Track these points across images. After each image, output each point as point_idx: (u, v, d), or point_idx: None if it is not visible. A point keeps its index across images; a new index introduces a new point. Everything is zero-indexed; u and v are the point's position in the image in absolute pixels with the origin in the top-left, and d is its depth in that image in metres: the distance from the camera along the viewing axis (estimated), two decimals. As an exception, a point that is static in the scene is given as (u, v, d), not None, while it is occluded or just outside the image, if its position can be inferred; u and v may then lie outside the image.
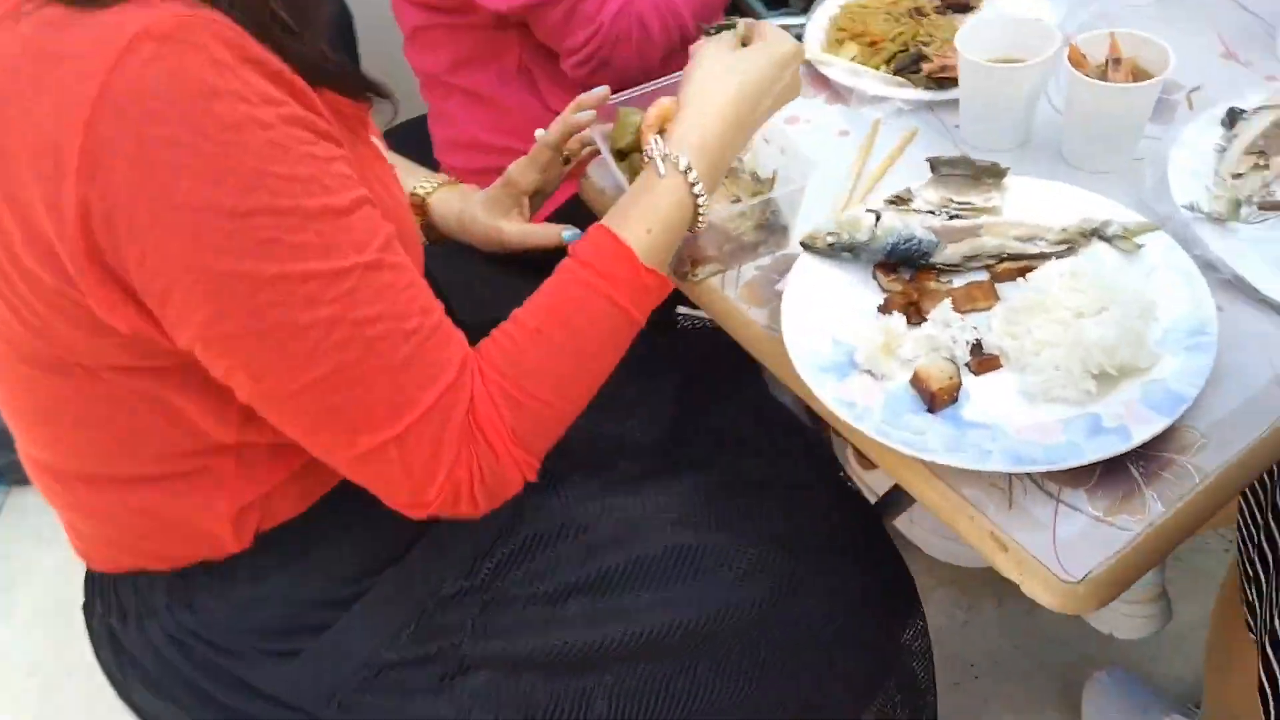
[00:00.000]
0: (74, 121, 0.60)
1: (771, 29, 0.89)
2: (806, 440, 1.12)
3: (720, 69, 0.85)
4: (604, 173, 1.07)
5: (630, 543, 0.93)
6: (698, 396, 1.11)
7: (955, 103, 1.06)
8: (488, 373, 0.74)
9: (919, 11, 1.17)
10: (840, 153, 1.06)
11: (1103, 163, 0.98)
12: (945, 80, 1.08)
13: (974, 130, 1.04)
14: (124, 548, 0.84)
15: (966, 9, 1.18)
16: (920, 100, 1.08)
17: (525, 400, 0.74)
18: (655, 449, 1.05)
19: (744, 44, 0.89)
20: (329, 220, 0.65)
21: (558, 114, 1.27)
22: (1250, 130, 0.94)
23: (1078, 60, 0.96)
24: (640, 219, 0.80)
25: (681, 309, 1.21)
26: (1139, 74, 0.95)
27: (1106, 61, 0.96)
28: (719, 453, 1.05)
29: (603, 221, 0.81)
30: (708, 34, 0.90)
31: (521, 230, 1.04)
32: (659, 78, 1.02)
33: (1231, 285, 0.85)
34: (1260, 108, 0.96)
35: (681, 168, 0.81)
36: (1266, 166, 0.92)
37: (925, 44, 1.12)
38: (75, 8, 0.62)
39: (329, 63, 0.71)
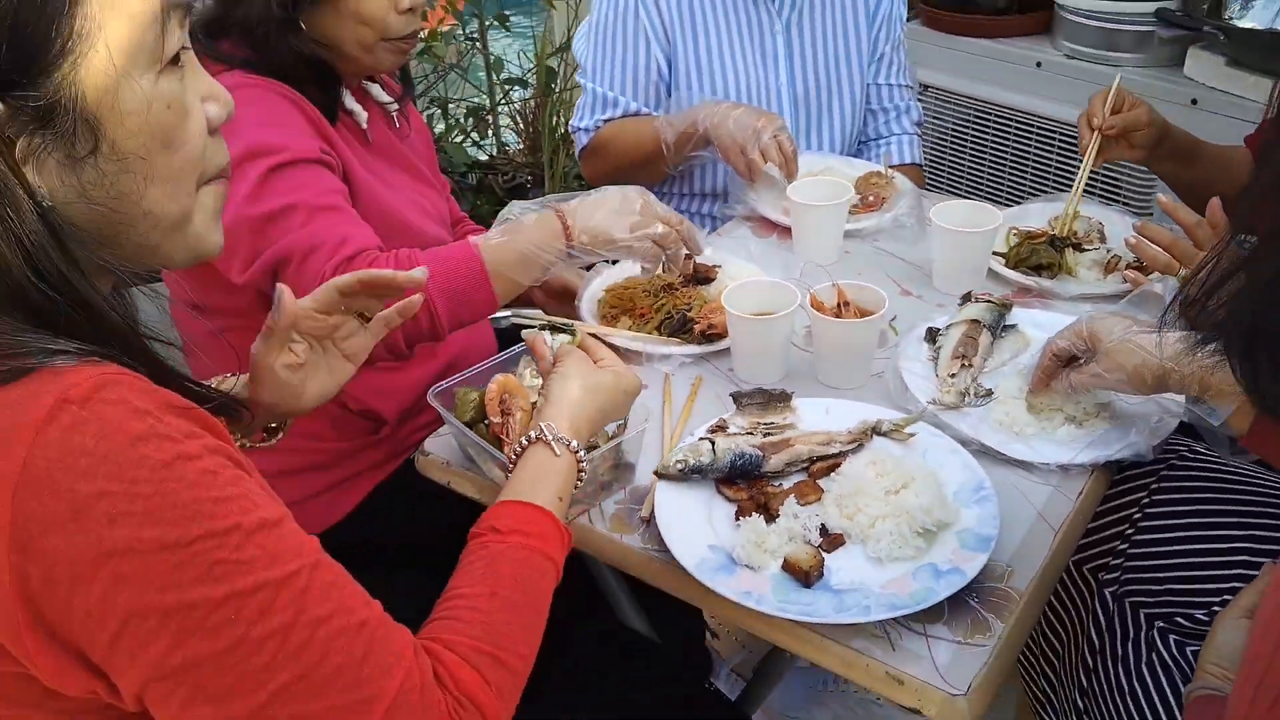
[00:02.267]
0: (1, 497, 0.60)
1: (610, 356, 1.07)
2: (650, 650, 1.22)
3: (582, 385, 1.00)
4: (441, 445, 1.18)
5: None
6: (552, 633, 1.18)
7: (725, 352, 1.29)
8: (458, 643, 0.77)
9: (671, 287, 1.42)
10: (644, 403, 1.23)
11: (851, 381, 1.24)
12: (713, 335, 1.31)
13: (746, 369, 1.27)
14: None
15: (707, 281, 1.44)
16: (697, 353, 1.31)
17: (505, 657, 0.78)
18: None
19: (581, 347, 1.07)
20: (266, 531, 0.68)
21: (361, 414, 1.38)
22: (949, 342, 1.25)
23: (818, 306, 1.23)
24: (548, 490, 0.92)
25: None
26: (862, 312, 1.23)
27: (839, 305, 1.24)
28: (584, 682, 1.13)
29: (506, 498, 0.91)
30: (541, 329, 1.07)
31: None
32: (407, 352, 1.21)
33: (980, 453, 1.11)
34: (950, 324, 1.27)
35: (573, 449, 0.95)
36: (970, 365, 1.22)
37: (687, 311, 1.36)
38: None
39: (208, 393, 0.77)
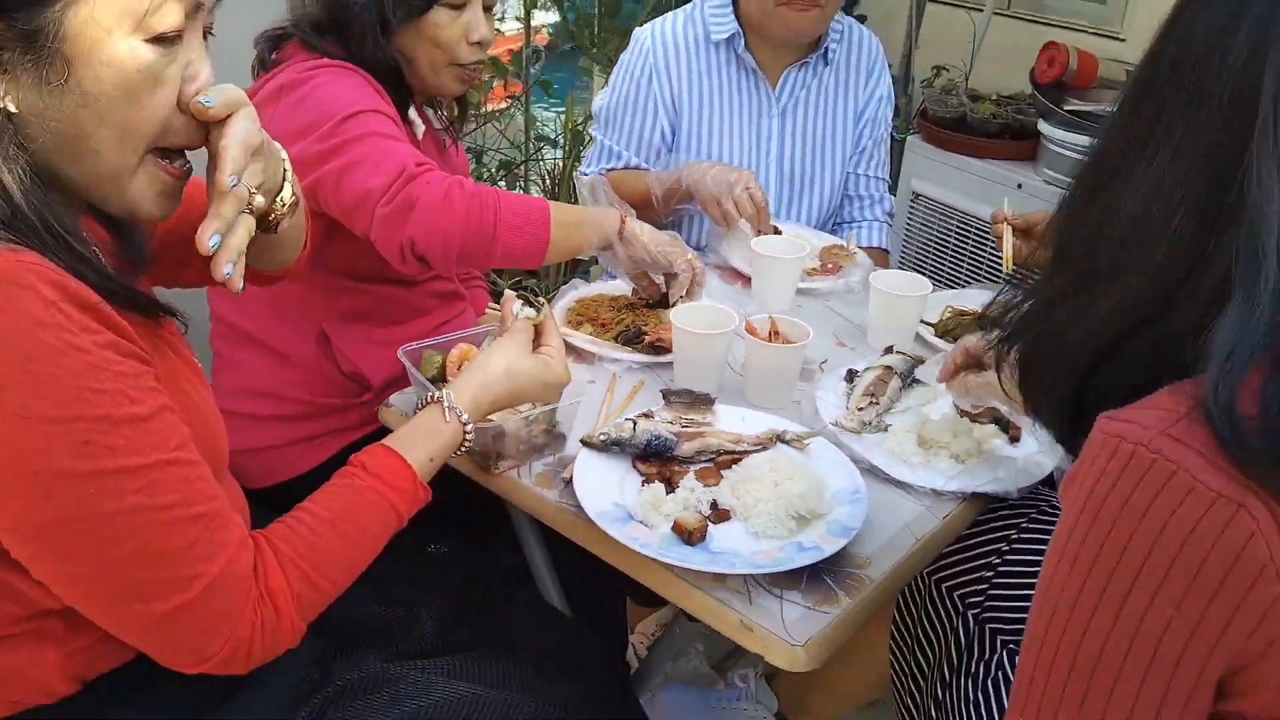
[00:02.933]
0: None
1: (557, 344, 1.21)
2: (568, 628, 1.35)
3: (506, 366, 1.14)
4: (405, 400, 1.34)
5: (431, 691, 1.10)
6: (477, 599, 1.32)
7: (669, 365, 1.46)
8: (283, 550, 0.91)
9: (631, 306, 1.60)
10: (591, 395, 1.40)
11: (774, 401, 1.40)
12: (660, 348, 1.48)
13: (685, 380, 1.43)
14: None
15: (665, 305, 1.61)
16: (644, 361, 1.47)
17: (316, 579, 0.93)
18: (439, 634, 1.24)
19: (537, 332, 1.20)
20: (134, 426, 0.78)
21: (350, 375, 1.55)
22: (863, 382, 1.41)
23: (752, 331, 1.40)
24: (424, 449, 1.06)
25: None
26: (788, 342, 1.40)
27: (770, 333, 1.40)
28: (491, 637, 1.26)
29: (388, 443, 1.05)
30: (519, 297, 1.23)
31: None
32: (458, 257, 1.35)
33: (869, 472, 1.26)
34: (867, 368, 1.44)
35: (462, 420, 1.10)
36: (877, 403, 1.37)
37: (643, 326, 1.53)
38: None
39: (129, 294, 0.85)
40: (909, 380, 1.44)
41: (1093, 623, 0.70)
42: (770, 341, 1.39)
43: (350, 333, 1.58)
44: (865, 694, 1.57)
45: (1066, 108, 2.45)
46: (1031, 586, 1.26)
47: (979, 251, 2.71)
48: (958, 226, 2.75)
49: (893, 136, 3.08)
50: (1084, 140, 2.41)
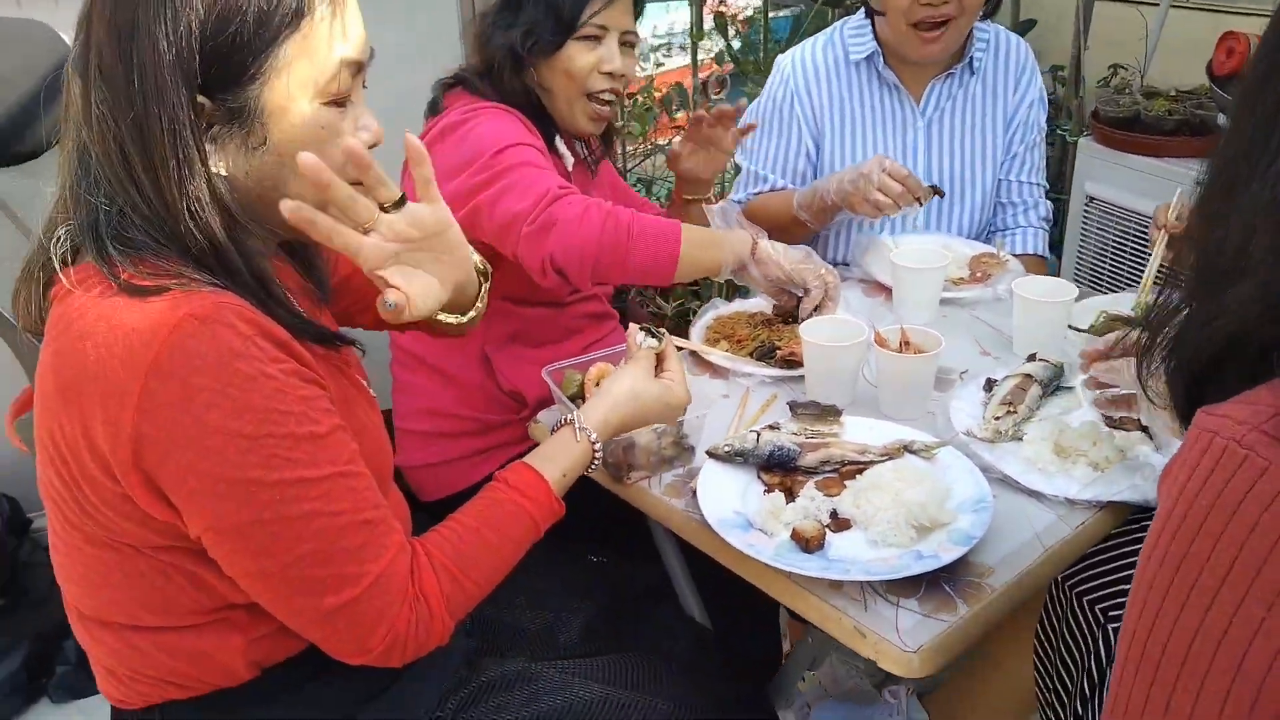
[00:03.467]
0: (137, 373, 0.83)
1: (677, 369, 1.26)
2: (704, 638, 1.40)
3: (631, 389, 1.21)
4: (552, 415, 1.43)
5: (568, 690, 1.17)
6: (620, 608, 1.39)
7: (801, 379, 1.48)
8: (435, 555, 1.01)
9: (768, 322, 1.64)
10: (722, 410, 1.44)
11: (906, 412, 1.40)
12: (792, 363, 1.51)
13: (818, 394, 1.45)
14: (153, 682, 1.02)
15: (798, 320, 1.63)
16: (777, 376, 1.50)
17: (462, 579, 1.02)
18: (583, 639, 1.31)
19: (659, 359, 1.26)
20: (313, 442, 0.90)
21: (509, 393, 1.66)
22: (1002, 390, 1.38)
23: (881, 342, 1.40)
24: (558, 466, 1.14)
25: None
26: (920, 352, 1.39)
27: (900, 344, 1.41)
28: (631, 645, 1.32)
29: (528, 460, 1.14)
30: (641, 329, 1.29)
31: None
32: (592, 270, 1.43)
33: (1000, 481, 1.24)
34: (1006, 377, 1.41)
35: (592, 440, 1.17)
36: (1014, 411, 1.35)
37: (777, 342, 1.56)
38: (135, 298, 0.86)
39: (312, 328, 0.98)
40: (1051, 388, 1.40)
41: (1180, 621, 0.68)
42: (901, 352, 1.39)
43: (509, 353, 1.69)
44: (1017, 710, 1.53)
45: (1249, 98, 2.29)
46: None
47: (1124, 240, 2.56)
48: (1135, 229, 2.61)
49: (1064, 139, 2.98)
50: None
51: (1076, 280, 2.72)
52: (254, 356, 0.87)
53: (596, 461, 1.18)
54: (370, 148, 0.98)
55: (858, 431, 1.32)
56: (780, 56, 2.00)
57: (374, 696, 1.10)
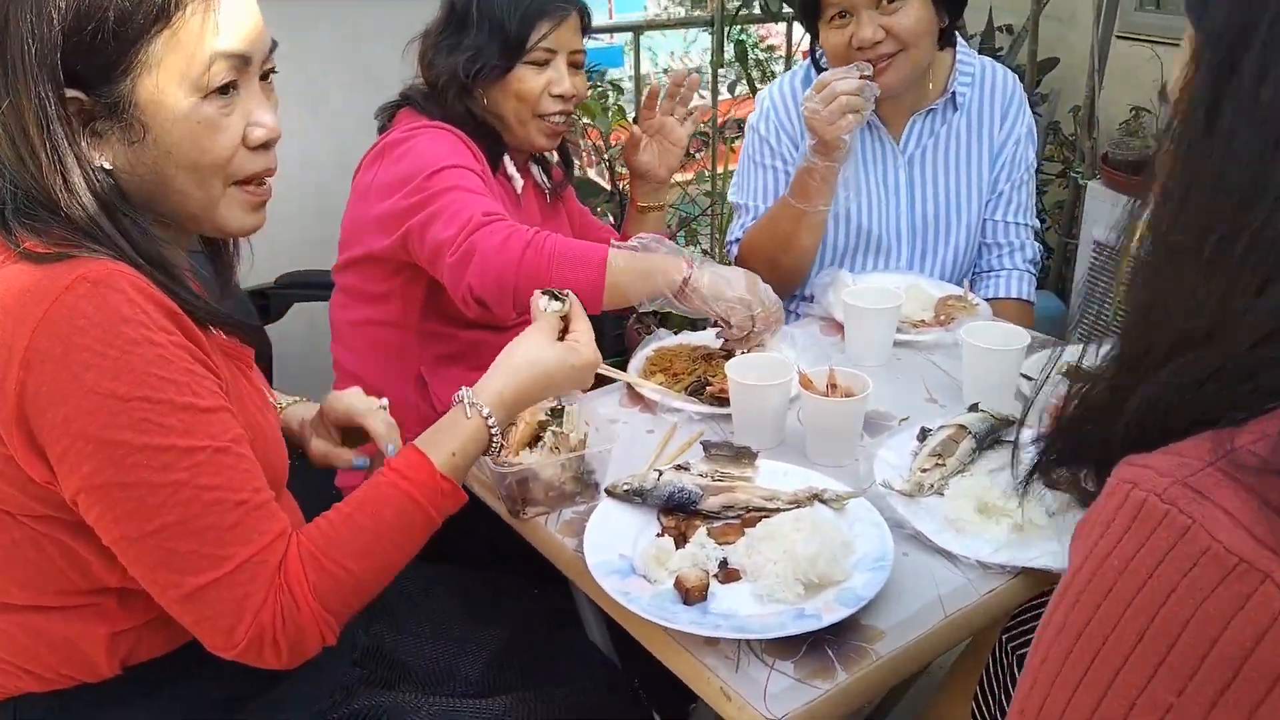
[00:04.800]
0: (25, 330, 0.85)
1: (584, 329, 1.20)
2: (610, 674, 1.33)
3: (533, 354, 1.15)
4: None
5: None
6: (524, 643, 1.32)
7: (730, 415, 1.42)
8: (303, 542, 0.98)
9: (708, 357, 1.57)
10: (644, 445, 1.38)
11: (832, 457, 1.32)
12: (722, 399, 1.44)
13: (743, 434, 1.38)
14: (11, 671, 0.99)
15: (730, 355, 1.56)
16: (705, 413, 1.44)
17: (328, 565, 0.97)
18: (481, 678, 1.26)
19: (564, 321, 1.19)
20: (191, 413, 0.89)
21: (441, 415, 1.62)
22: (933, 441, 1.30)
23: (807, 384, 1.33)
24: (447, 444, 1.08)
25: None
26: (848, 395, 1.32)
27: (828, 386, 1.33)
28: (535, 681, 1.25)
29: (415, 442, 1.08)
30: (544, 293, 1.21)
31: (322, 451, 1.27)
32: (513, 299, 1.40)
33: (912, 538, 1.16)
34: (941, 426, 1.33)
35: (485, 415, 1.10)
36: (943, 464, 1.27)
37: (710, 378, 1.50)
38: (34, 264, 0.88)
39: (210, 311, 0.98)
40: (988, 442, 1.32)
41: (1073, 703, 0.59)
42: (829, 395, 1.32)
43: (445, 375, 1.65)
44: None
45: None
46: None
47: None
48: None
49: (1075, 182, 2.87)
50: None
51: (1080, 326, 2.62)
52: (141, 322, 0.87)
53: (495, 438, 1.12)
54: (267, 144, 0.98)
55: (771, 477, 1.25)
56: (761, 92, 1.95)
57: (236, 709, 1.06)
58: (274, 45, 1.00)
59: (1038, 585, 1.13)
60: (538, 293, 1.22)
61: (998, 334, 1.47)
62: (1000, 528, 1.17)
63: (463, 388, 1.13)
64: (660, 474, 1.20)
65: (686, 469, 1.24)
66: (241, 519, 0.92)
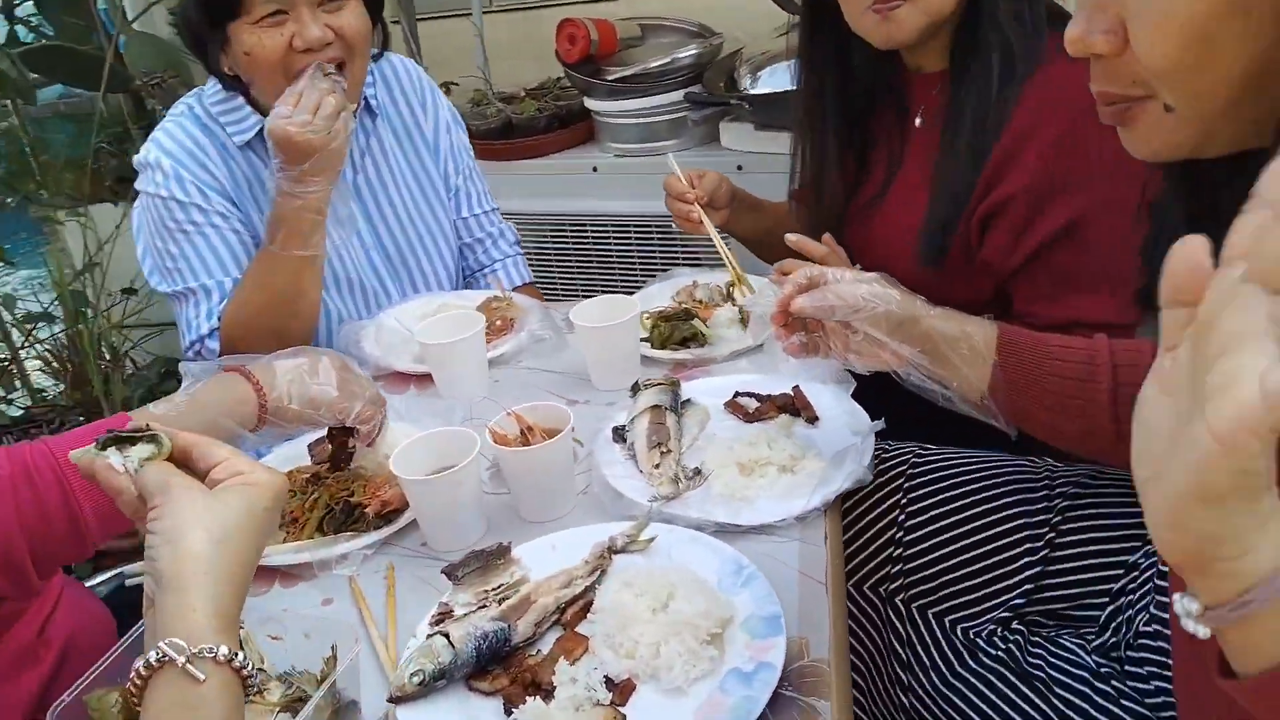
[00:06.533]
0: None
1: (226, 450, 0.77)
2: None
3: (214, 534, 0.71)
4: None
5: None
6: None
7: (411, 526, 1.11)
8: None
9: (318, 478, 1.22)
10: (335, 623, 1.01)
11: (558, 508, 1.11)
12: (390, 513, 1.13)
13: (438, 537, 1.09)
14: None
15: (349, 459, 1.24)
16: (378, 540, 1.11)
17: None
18: None
19: (179, 461, 0.76)
20: None
21: None
22: (639, 434, 1.17)
23: (501, 439, 1.09)
24: None
25: None
26: (548, 432, 1.12)
27: (523, 433, 1.11)
28: None
29: None
30: (100, 445, 0.75)
31: None
32: None
33: (719, 532, 1.02)
34: (632, 418, 1.20)
35: (226, 657, 0.67)
36: (669, 450, 1.14)
37: (349, 495, 1.16)
38: None
39: None
40: (679, 409, 1.23)
41: None
42: (529, 442, 1.10)
43: None
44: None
45: (609, 78, 2.36)
46: (938, 545, 1.10)
47: (583, 248, 2.57)
48: (553, 232, 2.59)
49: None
50: (641, 104, 2.34)
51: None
52: None
53: (252, 686, 0.70)
54: None
55: (541, 560, 1.01)
56: (140, 157, 1.52)
57: None
58: None
59: (840, 512, 1.09)
60: (92, 457, 0.76)
61: (603, 309, 1.36)
62: (769, 478, 1.10)
63: (160, 643, 0.67)
64: (448, 635, 0.89)
65: (450, 613, 0.94)
66: None
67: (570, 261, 2.61)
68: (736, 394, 1.26)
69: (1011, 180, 1.27)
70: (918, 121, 1.45)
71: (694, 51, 2.33)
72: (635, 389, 1.26)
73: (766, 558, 0.99)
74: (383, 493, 1.14)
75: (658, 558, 0.99)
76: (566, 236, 2.57)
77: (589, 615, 0.93)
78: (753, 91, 2.21)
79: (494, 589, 0.96)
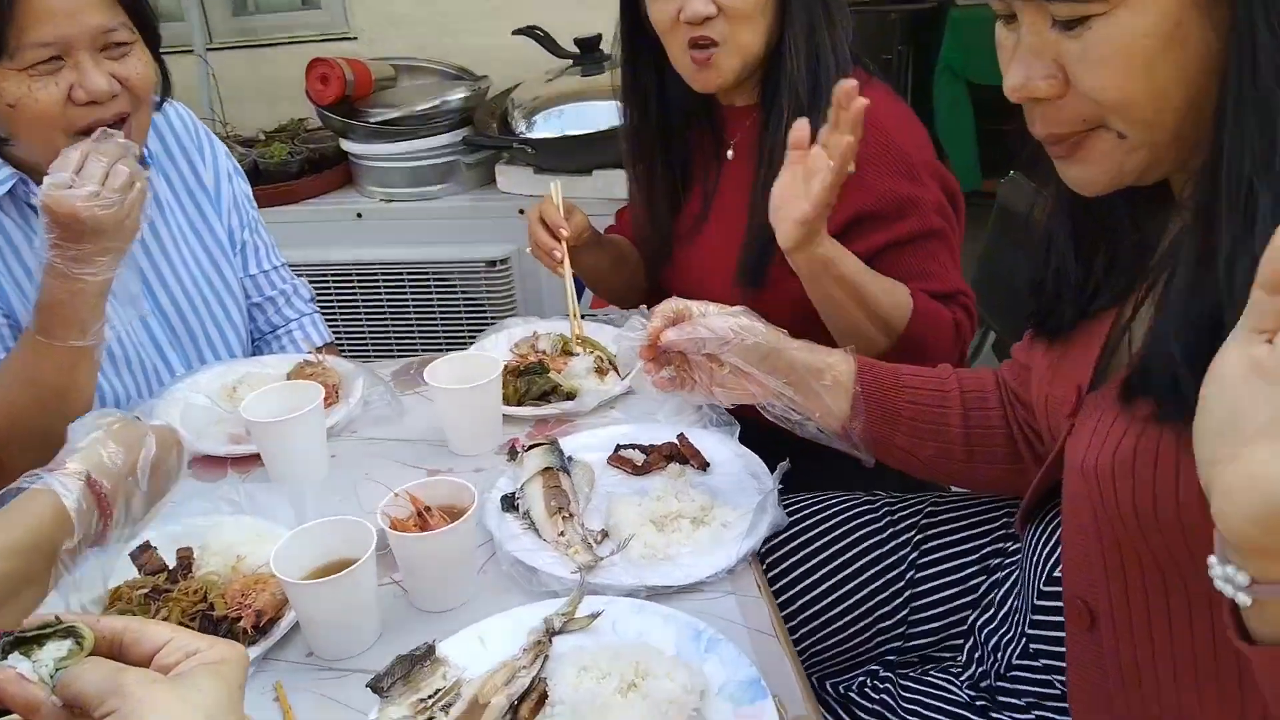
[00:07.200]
0: None
1: (168, 629, 0.62)
2: None
3: None
4: None
5: None
6: None
7: (292, 635, 0.97)
8: None
9: (157, 591, 1.03)
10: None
11: (459, 596, 1.01)
12: (266, 625, 0.97)
13: (329, 644, 0.96)
14: None
15: (188, 568, 1.06)
16: (259, 655, 0.95)
17: None
18: None
19: (111, 652, 0.61)
20: None
21: None
22: (535, 501, 1.09)
23: (400, 525, 0.98)
24: None
25: None
26: (450, 510, 1.01)
27: (419, 514, 1.00)
28: None
29: None
30: (6, 650, 0.59)
31: None
32: None
33: (653, 596, 0.97)
34: (522, 484, 1.12)
35: None
36: (571, 515, 1.08)
37: (208, 609, 0.99)
38: None
39: None
40: (568, 468, 1.17)
41: None
42: (429, 525, 0.99)
43: None
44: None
45: (373, 120, 2.24)
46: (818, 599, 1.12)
47: (347, 300, 2.40)
48: (336, 281, 2.39)
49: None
50: (409, 146, 2.24)
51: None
52: None
53: None
54: None
55: (473, 657, 0.91)
56: None
57: None
58: None
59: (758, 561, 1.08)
60: (13, 675, 0.59)
61: (458, 368, 1.27)
62: (684, 531, 1.07)
63: None
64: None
65: (389, 731, 0.82)
66: None
67: (353, 310, 2.42)
68: (619, 446, 1.22)
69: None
70: (729, 154, 1.50)
71: (462, 94, 2.26)
72: (513, 454, 1.19)
73: (710, 617, 0.96)
74: (250, 598, 0.98)
75: (604, 634, 0.92)
76: (329, 288, 2.39)
77: (548, 708, 0.85)
78: (530, 135, 2.18)
79: (430, 697, 0.86)
